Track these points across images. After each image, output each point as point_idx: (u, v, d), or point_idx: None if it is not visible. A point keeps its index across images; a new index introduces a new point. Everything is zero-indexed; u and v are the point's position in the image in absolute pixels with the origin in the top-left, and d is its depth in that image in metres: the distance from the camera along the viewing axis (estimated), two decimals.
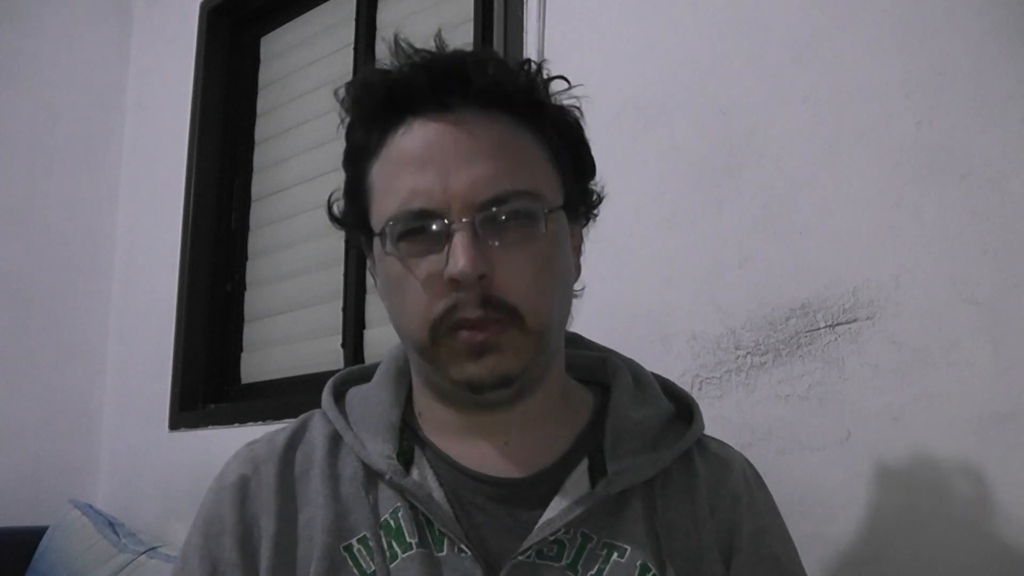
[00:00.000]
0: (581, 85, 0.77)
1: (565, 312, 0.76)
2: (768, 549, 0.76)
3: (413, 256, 0.69)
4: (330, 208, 0.80)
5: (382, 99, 0.72)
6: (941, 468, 0.99)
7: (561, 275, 0.73)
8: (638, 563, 0.71)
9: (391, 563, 0.69)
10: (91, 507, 2.10)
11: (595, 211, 0.82)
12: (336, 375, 0.84)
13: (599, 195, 0.81)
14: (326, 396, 0.80)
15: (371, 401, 0.78)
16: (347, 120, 0.75)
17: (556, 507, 0.71)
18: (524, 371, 0.70)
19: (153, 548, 1.85)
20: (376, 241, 0.72)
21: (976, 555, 0.96)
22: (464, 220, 0.67)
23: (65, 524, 2.05)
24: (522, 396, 0.73)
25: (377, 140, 0.72)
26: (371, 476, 0.74)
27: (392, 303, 0.73)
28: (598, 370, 0.84)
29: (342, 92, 0.75)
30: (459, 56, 0.71)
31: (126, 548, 1.88)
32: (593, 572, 0.70)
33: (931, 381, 1.01)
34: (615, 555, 0.71)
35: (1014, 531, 0.94)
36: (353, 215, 0.76)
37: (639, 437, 0.76)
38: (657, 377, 0.85)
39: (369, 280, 1.95)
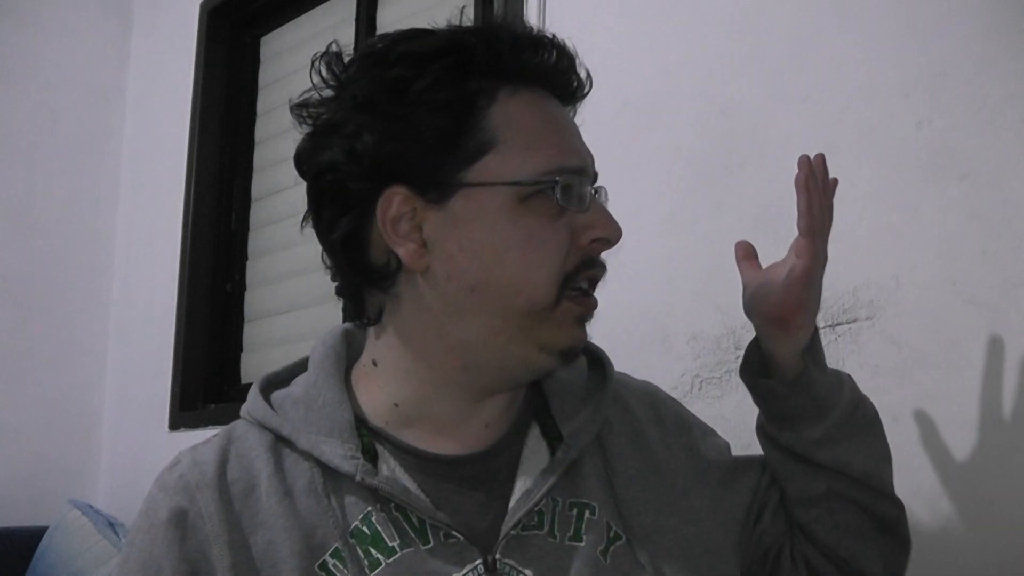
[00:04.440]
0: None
1: None
2: (717, 448, 0.87)
3: (561, 213, 0.71)
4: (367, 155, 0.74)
5: (513, 61, 0.72)
6: (941, 468, 0.99)
7: None
8: (604, 520, 0.73)
9: (374, 570, 0.67)
10: (91, 507, 2.10)
11: None
12: (256, 383, 0.78)
13: None
14: (260, 403, 0.74)
15: (315, 402, 0.73)
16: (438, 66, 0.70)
17: (528, 477, 0.72)
18: None
19: None
20: (510, 190, 0.68)
21: (976, 555, 0.96)
22: (598, 186, 0.74)
23: (65, 524, 2.05)
24: None
25: (490, 93, 0.70)
26: (331, 482, 0.69)
27: (514, 259, 0.68)
28: None
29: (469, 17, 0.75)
30: (571, 53, 0.76)
31: None
32: (571, 533, 0.71)
33: (931, 381, 1.01)
34: (587, 513, 0.73)
35: (1014, 531, 0.94)
36: (453, 158, 0.70)
37: (575, 395, 0.79)
38: None
39: None
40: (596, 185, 0.74)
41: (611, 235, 0.71)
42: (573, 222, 0.70)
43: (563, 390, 0.78)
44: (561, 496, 0.73)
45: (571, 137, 0.74)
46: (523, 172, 0.69)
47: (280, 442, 0.72)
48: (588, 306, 0.72)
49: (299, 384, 0.76)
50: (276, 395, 0.76)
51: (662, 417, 0.84)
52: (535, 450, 0.74)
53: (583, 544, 0.71)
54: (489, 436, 0.74)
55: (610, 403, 0.80)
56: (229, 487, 0.69)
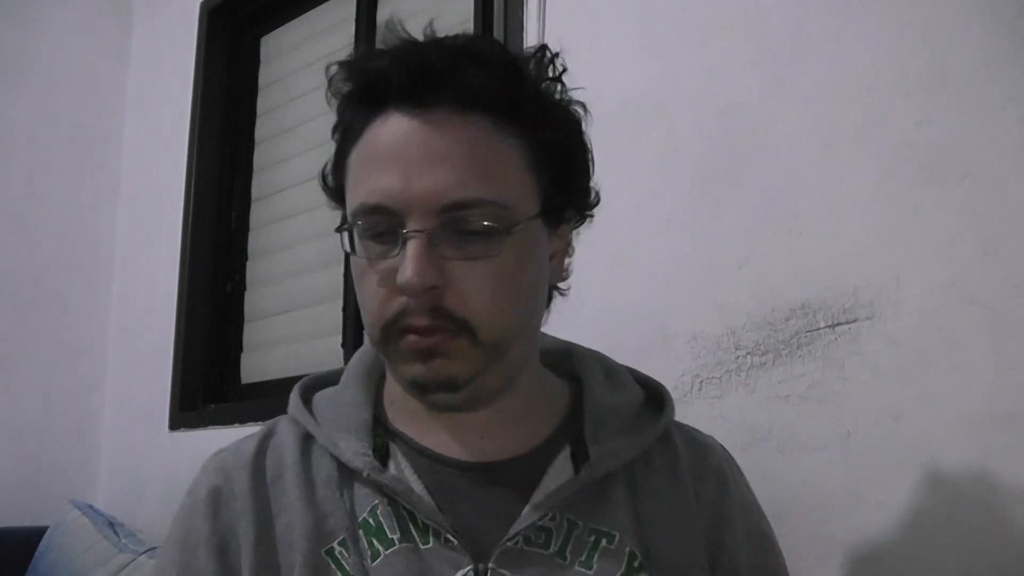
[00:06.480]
0: (582, 88, 0.76)
1: (532, 319, 0.75)
2: (757, 526, 0.81)
3: (373, 256, 0.68)
4: (324, 179, 0.77)
5: (362, 89, 0.70)
6: (941, 468, 0.99)
7: (527, 285, 0.71)
8: (627, 550, 0.71)
9: (374, 561, 0.69)
10: (91, 507, 2.10)
11: (590, 212, 0.79)
12: (301, 380, 0.83)
13: (596, 195, 0.78)
14: (295, 399, 0.79)
15: (341, 401, 0.78)
16: (340, 96, 0.73)
17: (542, 492, 0.71)
18: (473, 378, 0.69)
19: (153, 548, 1.84)
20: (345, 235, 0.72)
21: (976, 555, 0.96)
22: (419, 229, 0.65)
23: (65, 524, 2.05)
24: (476, 402, 0.72)
25: (361, 123, 0.70)
26: (345, 476, 0.73)
27: (357, 295, 0.73)
28: (564, 361, 0.84)
29: (333, 69, 0.72)
30: (440, 52, 0.68)
31: (126, 548, 1.87)
32: (583, 559, 0.70)
33: (931, 381, 1.01)
34: (604, 541, 0.71)
35: (1014, 531, 0.94)
36: (335, 191, 0.76)
37: (617, 422, 0.77)
38: (624, 367, 0.86)
39: None
40: (442, 220, 0.65)
41: (399, 281, 0.65)
42: (395, 264, 0.66)
43: (603, 416, 0.77)
44: (583, 520, 0.72)
45: (382, 167, 0.67)
46: (348, 212, 0.71)
47: (311, 437, 0.76)
48: (414, 345, 0.67)
49: (336, 386, 0.81)
50: (319, 394, 0.81)
51: (704, 476, 0.79)
52: (560, 469, 0.74)
53: (591, 572, 0.70)
54: (502, 448, 0.74)
55: (656, 441, 0.78)
56: (262, 471, 0.74)
